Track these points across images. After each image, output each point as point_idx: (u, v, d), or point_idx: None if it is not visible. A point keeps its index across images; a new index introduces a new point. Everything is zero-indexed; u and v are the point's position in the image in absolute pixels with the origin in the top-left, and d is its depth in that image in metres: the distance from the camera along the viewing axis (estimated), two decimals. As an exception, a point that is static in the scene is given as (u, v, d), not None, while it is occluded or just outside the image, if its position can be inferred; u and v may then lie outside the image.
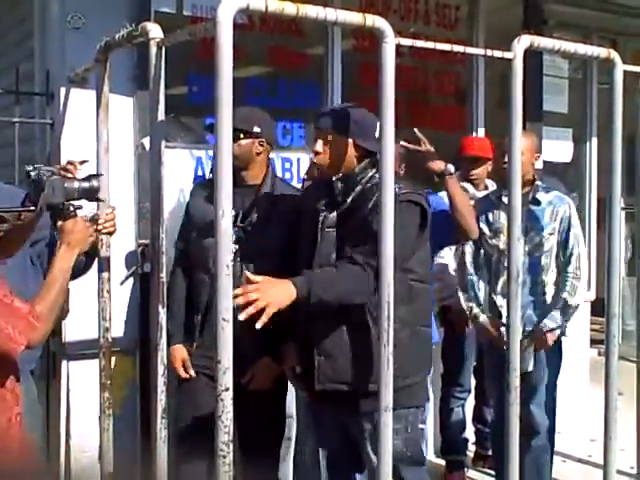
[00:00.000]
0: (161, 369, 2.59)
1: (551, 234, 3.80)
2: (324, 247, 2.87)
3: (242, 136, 3.18)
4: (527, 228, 3.79)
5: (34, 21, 3.85)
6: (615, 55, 3.12)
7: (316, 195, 3.02)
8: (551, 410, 3.91)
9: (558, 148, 5.52)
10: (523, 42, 2.84)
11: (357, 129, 2.89)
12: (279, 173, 4.45)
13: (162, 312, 2.60)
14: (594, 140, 5.95)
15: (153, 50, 2.51)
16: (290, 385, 3.37)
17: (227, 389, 2.21)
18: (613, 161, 3.20)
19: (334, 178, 2.90)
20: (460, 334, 4.39)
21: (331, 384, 2.85)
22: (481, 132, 5.10)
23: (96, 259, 3.07)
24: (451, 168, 3.46)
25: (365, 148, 2.91)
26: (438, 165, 3.47)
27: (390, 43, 2.48)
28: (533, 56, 4.50)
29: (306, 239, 2.95)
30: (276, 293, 2.55)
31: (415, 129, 3.06)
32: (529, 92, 4.13)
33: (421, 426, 2.97)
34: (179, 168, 3.96)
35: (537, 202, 3.84)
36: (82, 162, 2.90)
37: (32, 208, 2.49)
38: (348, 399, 2.86)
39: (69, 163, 2.91)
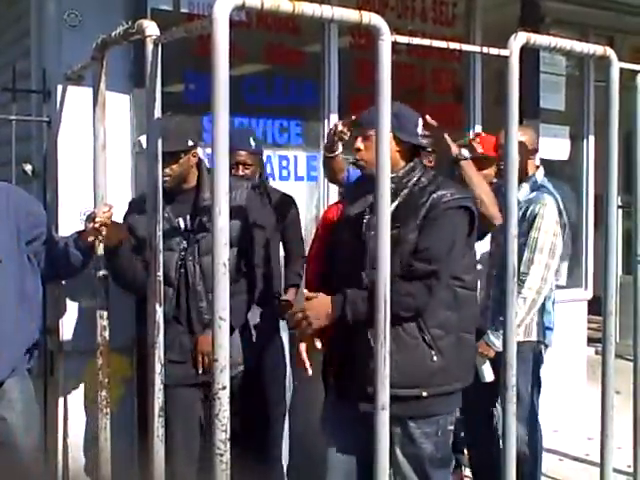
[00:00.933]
0: (158, 367, 2.59)
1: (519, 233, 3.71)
2: (370, 251, 2.78)
3: (182, 155, 3.20)
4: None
5: (31, 19, 3.85)
6: (611, 52, 3.12)
7: (356, 196, 2.99)
8: (526, 421, 3.77)
9: (555, 146, 5.52)
10: (519, 39, 2.84)
11: (396, 122, 2.79)
12: (276, 171, 4.46)
13: (159, 310, 2.59)
14: (591, 138, 5.95)
15: (149, 47, 2.50)
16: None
17: (224, 387, 2.20)
18: (610, 159, 3.19)
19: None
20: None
21: (371, 387, 2.66)
22: (478, 129, 5.10)
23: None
24: (465, 152, 3.34)
25: (408, 142, 2.88)
26: (453, 149, 3.31)
27: (386, 40, 2.48)
28: (530, 53, 4.50)
29: (349, 242, 2.91)
30: (318, 316, 2.73)
31: (427, 116, 3.00)
32: (526, 89, 4.13)
33: (450, 427, 2.95)
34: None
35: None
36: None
37: None
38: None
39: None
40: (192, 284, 3.22)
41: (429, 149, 3.26)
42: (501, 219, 3.23)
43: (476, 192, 3.17)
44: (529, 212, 3.65)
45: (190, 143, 3.22)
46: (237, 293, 3.13)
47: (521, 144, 3.60)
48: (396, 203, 2.81)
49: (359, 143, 2.90)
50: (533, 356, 3.79)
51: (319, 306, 2.75)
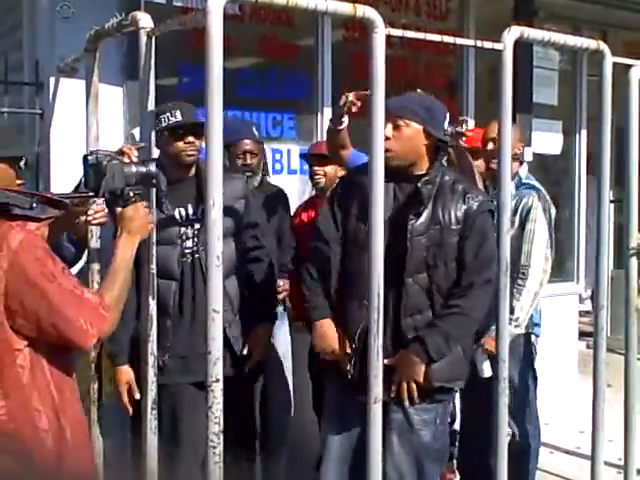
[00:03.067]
0: (151, 360, 2.59)
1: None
2: (414, 255, 2.80)
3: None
4: None
5: (23, 11, 3.84)
6: (604, 47, 3.12)
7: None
8: (524, 415, 3.81)
9: (548, 140, 5.53)
10: (513, 33, 2.84)
11: (428, 116, 2.81)
12: (269, 164, 4.45)
13: (152, 303, 2.59)
14: (583, 132, 5.97)
15: (143, 40, 2.50)
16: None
17: (217, 380, 2.21)
18: (602, 153, 3.20)
19: (419, 183, 2.83)
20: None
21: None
22: (471, 123, 5.11)
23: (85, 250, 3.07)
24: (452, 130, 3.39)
25: (435, 137, 2.84)
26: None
27: (380, 33, 2.48)
28: (524, 48, 4.51)
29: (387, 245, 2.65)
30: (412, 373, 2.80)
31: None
32: (519, 84, 4.13)
33: (447, 419, 2.98)
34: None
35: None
36: (139, 148, 2.71)
37: (91, 194, 2.40)
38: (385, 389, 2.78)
39: (126, 147, 2.85)
40: (196, 276, 3.14)
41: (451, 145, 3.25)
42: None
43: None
44: (522, 205, 3.66)
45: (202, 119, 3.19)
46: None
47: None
48: (431, 205, 2.82)
49: (388, 131, 2.74)
50: (527, 348, 3.81)
51: (409, 366, 2.80)
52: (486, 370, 3.64)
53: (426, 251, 2.80)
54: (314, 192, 4.12)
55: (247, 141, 3.73)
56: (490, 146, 3.80)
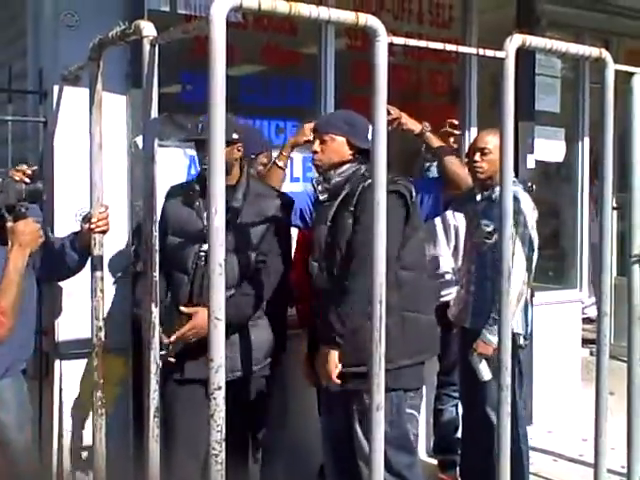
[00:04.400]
0: (154, 368, 2.59)
1: (494, 231, 3.74)
2: (318, 240, 3.17)
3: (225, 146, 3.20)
4: (475, 225, 3.85)
5: (27, 19, 3.85)
6: (607, 55, 3.13)
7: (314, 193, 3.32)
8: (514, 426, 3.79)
9: (550, 148, 5.53)
10: (515, 41, 2.85)
11: (349, 129, 3.21)
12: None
13: (155, 311, 2.60)
14: (586, 140, 5.97)
15: (146, 48, 2.51)
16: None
17: (219, 388, 2.21)
18: (605, 161, 3.21)
19: (314, 180, 3.26)
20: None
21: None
22: (473, 131, 5.12)
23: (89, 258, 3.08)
24: (428, 125, 3.69)
25: (358, 146, 3.18)
26: (415, 125, 3.69)
27: (383, 42, 2.49)
28: (526, 55, 4.51)
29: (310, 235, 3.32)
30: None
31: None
32: (522, 91, 4.15)
33: (409, 411, 3.03)
34: (172, 167, 3.96)
35: (491, 200, 3.79)
36: (33, 170, 2.97)
37: None
38: (343, 381, 3.09)
39: (17, 170, 2.99)
40: (202, 276, 3.24)
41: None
42: (468, 183, 3.73)
43: (444, 160, 3.68)
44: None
45: (235, 136, 3.25)
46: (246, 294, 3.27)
47: (496, 148, 3.68)
48: (340, 199, 3.14)
49: (316, 146, 3.25)
50: (515, 352, 3.79)
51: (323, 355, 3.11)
52: (485, 373, 3.65)
53: (329, 238, 3.14)
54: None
55: (266, 153, 3.81)
56: (477, 156, 3.81)
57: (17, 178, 2.83)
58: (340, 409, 3.19)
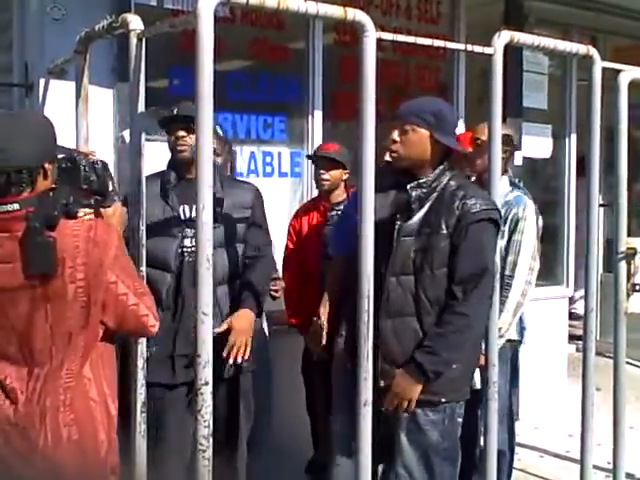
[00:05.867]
0: (140, 362, 2.58)
1: None
2: (400, 255, 2.82)
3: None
4: None
5: (13, 12, 3.82)
6: (594, 52, 3.14)
7: (385, 196, 2.90)
8: (504, 420, 3.69)
9: (537, 144, 5.55)
10: (503, 38, 2.85)
11: (436, 122, 2.83)
12: (259, 167, 4.46)
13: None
14: (573, 136, 5.99)
15: (133, 42, 2.50)
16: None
17: (206, 383, 2.21)
18: (591, 158, 3.22)
19: (409, 186, 2.85)
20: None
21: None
22: (461, 127, 5.12)
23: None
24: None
25: (442, 144, 2.85)
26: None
27: (371, 37, 2.49)
28: (514, 52, 4.52)
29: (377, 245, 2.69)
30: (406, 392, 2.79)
31: None
32: (509, 88, 4.15)
33: (459, 419, 2.96)
34: (159, 161, 3.94)
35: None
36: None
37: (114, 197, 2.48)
38: None
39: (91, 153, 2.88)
40: (188, 274, 3.12)
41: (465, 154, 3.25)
42: None
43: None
44: (511, 215, 3.60)
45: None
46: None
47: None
48: (425, 208, 2.83)
49: (395, 135, 2.85)
50: (512, 356, 3.79)
51: (407, 386, 2.79)
52: (477, 382, 3.60)
53: (413, 253, 2.80)
54: (317, 193, 4.14)
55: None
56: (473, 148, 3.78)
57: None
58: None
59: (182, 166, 3.18)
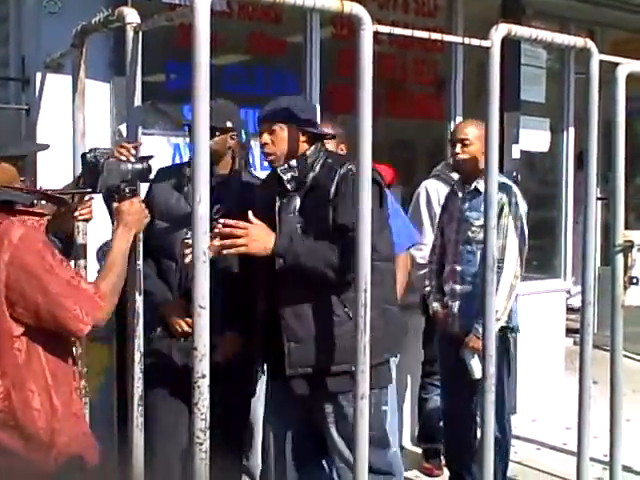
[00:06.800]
0: (137, 356, 2.59)
1: (482, 225, 3.77)
2: (286, 230, 2.88)
3: (217, 134, 3.18)
4: (460, 219, 3.83)
5: (9, 5, 3.81)
6: (592, 45, 3.14)
7: (270, 185, 3.06)
8: (498, 409, 3.76)
9: (535, 138, 5.55)
10: (500, 30, 2.85)
11: (297, 114, 2.96)
12: (257, 161, 4.45)
13: (139, 299, 2.59)
14: (571, 130, 5.99)
15: (130, 35, 2.49)
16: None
17: (204, 376, 2.21)
18: (589, 151, 3.22)
19: (279, 169, 2.94)
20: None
21: (302, 368, 2.87)
22: (459, 121, 5.12)
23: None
24: None
25: (309, 132, 2.97)
26: None
27: (368, 30, 2.48)
28: (511, 46, 4.52)
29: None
30: (257, 239, 2.73)
31: None
32: (507, 81, 4.14)
33: (384, 408, 3.00)
34: (156, 155, 3.93)
35: (478, 192, 3.76)
36: (135, 146, 2.83)
37: (89, 190, 2.58)
38: (315, 382, 2.89)
39: (122, 146, 2.89)
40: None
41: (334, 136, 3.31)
42: None
43: None
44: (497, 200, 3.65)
45: (229, 124, 3.21)
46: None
47: (476, 138, 3.69)
48: (306, 186, 2.92)
49: (265, 138, 2.96)
50: (505, 342, 3.80)
51: (264, 234, 2.77)
52: (477, 370, 3.58)
53: (300, 230, 2.89)
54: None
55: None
56: (458, 148, 3.81)
57: (123, 158, 2.69)
58: (302, 412, 3.03)
59: None
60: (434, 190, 4.44)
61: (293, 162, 2.93)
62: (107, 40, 3.57)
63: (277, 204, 2.95)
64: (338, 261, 2.77)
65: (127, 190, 2.55)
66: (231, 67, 4.38)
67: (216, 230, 2.66)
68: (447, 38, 3.05)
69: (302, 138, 2.96)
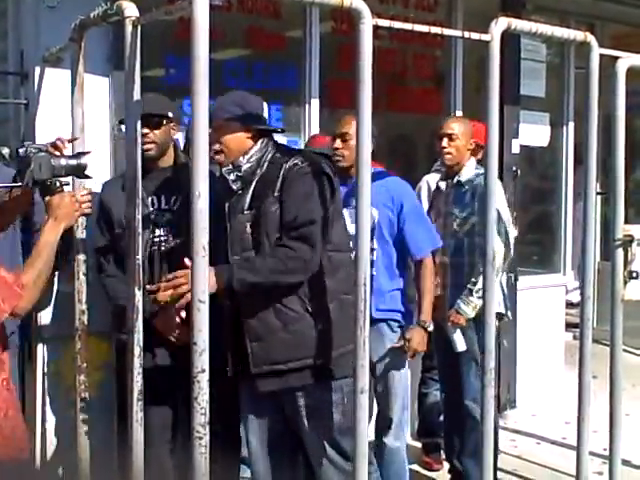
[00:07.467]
0: (137, 351, 2.58)
1: (467, 216, 3.81)
2: (236, 234, 2.88)
3: (165, 122, 3.18)
4: (446, 213, 3.87)
5: (8, 0, 3.80)
6: (592, 38, 3.13)
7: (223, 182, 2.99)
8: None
9: (535, 132, 5.54)
10: (500, 25, 2.84)
11: (243, 110, 2.93)
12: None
13: (138, 294, 2.58)
14: (571, 124, 5.98)
15: (128, 29, 2.48)
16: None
17: (203, 371, 2.21)
18: (588, 145, 3.21)
19: (223, 170, 2.92)
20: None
21: (267, 366, 2.87)
22: (459, 115, 5.11)
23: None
24: None
25: (255, 128, 2.94)
26: None
27: (367, 24, 2.47)
28: (511, 40, 4.51)
29: (217, 229, 2.79)
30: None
31: None
32: (507, 76, 4.14)
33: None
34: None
35: (460, 184, 3.86)
36: (71, 140, 2.92)
37: (19, 184, 2.63)
38: (281, 378, 2.88)
39: (58, 140, 2.92)
40: (160, 263, 3.18)
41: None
42: None
43: None
44: (479, 191, 3.70)
45: (170, 114, 3.21)
46: None
47: (462, 133, 3.81)
48: (253, 184, 2.89)
49: (214, 138, 2.89)
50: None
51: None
52: (459, 344, 3.69)
53: (250, 228, 2.86)
54: None
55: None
56: (444, 142, 3.82)
57: (57, 153, 2.75)
58: (273, 409, 3.02)
59: (146, 161, 3.12)
60: (435, 184, 4.44)
61: (240, 160, 2.90)
62: (106, 34, 3.56)
63: (226, 205, 2.93)
64: (287, 262, 2.76)
65: (57, 184, 2.63)
66: (230, 61, 4.38)
67: (161, 284, 2.73)
68: (447, 32, 3.04)
69: (246, 135, 2.92)
